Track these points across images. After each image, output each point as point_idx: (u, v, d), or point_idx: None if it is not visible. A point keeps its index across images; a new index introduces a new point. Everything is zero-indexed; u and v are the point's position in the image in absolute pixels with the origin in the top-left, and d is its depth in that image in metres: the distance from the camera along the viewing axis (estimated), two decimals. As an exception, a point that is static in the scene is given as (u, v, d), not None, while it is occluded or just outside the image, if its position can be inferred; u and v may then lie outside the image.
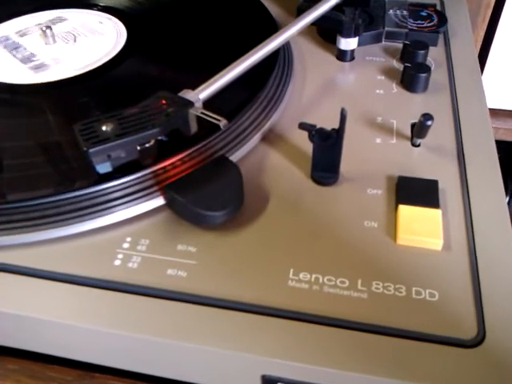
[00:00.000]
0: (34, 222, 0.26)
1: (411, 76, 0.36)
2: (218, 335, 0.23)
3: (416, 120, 0.32)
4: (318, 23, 0.38)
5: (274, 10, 0.45)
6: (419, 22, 0.42)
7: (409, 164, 0.31)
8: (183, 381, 0.25)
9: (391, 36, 0.42)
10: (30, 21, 0.42)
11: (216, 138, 0.30)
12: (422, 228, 0.26)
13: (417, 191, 0.28)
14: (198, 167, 0.28)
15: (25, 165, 0.28)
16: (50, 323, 0.24)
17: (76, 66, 0.37)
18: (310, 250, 0.26)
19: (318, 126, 0.29)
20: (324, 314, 0.23)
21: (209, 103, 0.29)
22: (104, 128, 0.26)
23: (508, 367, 0.22)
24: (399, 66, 0.39)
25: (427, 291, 0.24)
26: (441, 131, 0.33)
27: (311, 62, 0.40)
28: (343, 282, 0.25)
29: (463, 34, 0.44)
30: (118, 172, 0.27)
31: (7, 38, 0.40)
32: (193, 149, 0.29)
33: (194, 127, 0.28)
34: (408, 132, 0.33)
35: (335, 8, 0.39)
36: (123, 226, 0.27)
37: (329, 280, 0.25)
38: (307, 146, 0.31)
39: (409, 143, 0.32)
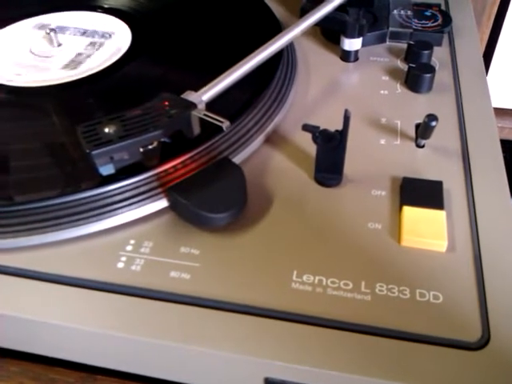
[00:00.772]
0: (37, 225, 0.26)
1: (416, 76, 0.36)
2: (220, 338, 0.23)
3: (420, 121, 0.31)
4: (321, 24, 0.38)
5: (278, 11, 0.45)
6: (423, 22, 0.42)
7: (413, 165, 0.31)
8: (186, 383, 0.25)
9: (395, 36, 0.42)
10: (34, 23, 0.42)
11: (219, 140, 0.30)
12: (426, 229, 0.26)
13: (421, 192, 0.28)
14: (201, 169, 0.28)
15: (28, 167, 0.28)
16: (53, 326, 0.24)
17: (81, 69, 0.37)
18: (313, 251, 0.26)
19: (322, 128, 0.29)
20: (327, 317, 0.23)
21: (212, 105, 0.29)
22: (107, 130, 0.26)
23: (513, 370, 0.22)
24: (403, 67, 0.39)
25: (431, 293, 0.24)
26: (445, 132, 0.33)
27: (315, 62, 0.40)
28: (347, 285, 0.25)
29: (468, 34, 0.44)
30: (121, 174, 0.27)
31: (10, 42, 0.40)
32: (196, 151, 0.29)
33: (196, 129, 0.28)
34: (412, 133, 0.33)
35: (339, 8, 0.39)
36: (126, 228, 0.27)
37: (332, 282, 0.25)
38: (311, 148, 0.31)
39: (413, 144, 0.32)
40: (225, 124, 0.27)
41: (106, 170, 0.26)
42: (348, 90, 0.37)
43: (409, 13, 0.43)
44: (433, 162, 0.31)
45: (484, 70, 0.39)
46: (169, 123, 0.27)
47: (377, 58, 0.40)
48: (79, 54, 0.38)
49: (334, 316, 0.23)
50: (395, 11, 0.43)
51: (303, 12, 0.40)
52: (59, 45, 0.39)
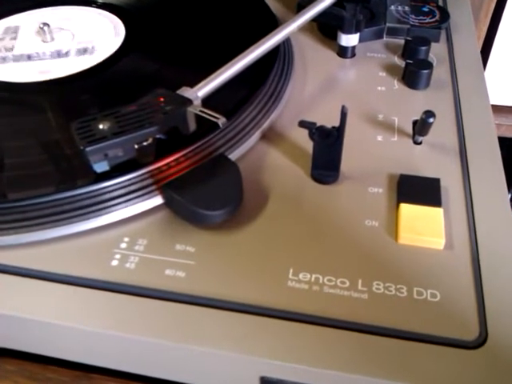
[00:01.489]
0: (30, 222, 0.26)
1: (413, 73, 0.36)
2: (216, 336, 0.22)
3: (418, 117, 0.31)
4: (318, 19, 0.38)
5: (274, 6, 0.45)
6: (421, 17, 0.42)
7: (410, 162, 0.31)
8: (181, 382, 0.25)
9: (393, 32, 0.42)
10: (28, 18, 0.42)
11: (215, 137, 0.30)
12: (423, 227, 0.26)
13: (418, 190, 0.28)
14: (197, 166, 0.28)
15: (21, 164, 0.28)
16: (47, 324, 0.23)
17: (74, 64, 0.36)
18: (309, 249, 0.26)
19: (319, 124, 0.28)
20: (324, 315, 0.23)
21: (208, 101, 0.29)
22: (101, 126, 0.26)
23: (510, 368, 0.21)
24: (401, 63, 0.39)
25: (429, 291, 0.24)
26: (443, 128, 0.33)
27: (312, 58, 0.40)
28: (343, 283, 0.24)
29: (465, 30, 0.43)
30: (116, 171, 0.27)
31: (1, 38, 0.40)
32: (191, 147, 0.29)
33: (192, 125, 0.28)
34: (410, 129, 0.33)
35: (336, 4, 0.39)
36: (120, 225, 0.27)
37: (329, 280, 0.24)
38: (307, 144, 0.31)
39: (410, 141, 0.32)
40: (221, 120, 0.27)
41: (101, 167, 0.26)
42: (345, 86, 0.37)
43: (406, 8, 0.43)
44: (430, 159, 0.31)
45: (482, 67, 0.39)
46: (164, 119, 0.27)
47: (374, 53, 0.40)
48: (72, 49, 0.38)
49: (331, 314, 0.23)
50: (392, 7, 0.43)
51: (300, 7, 0.40)
52: (52, 39, 0.39)
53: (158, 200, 0.27)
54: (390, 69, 0.38)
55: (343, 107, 0.27)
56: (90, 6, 0.43)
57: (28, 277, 0.25)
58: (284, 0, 0.47)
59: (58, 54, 0.37)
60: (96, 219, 0.26)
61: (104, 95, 0.33)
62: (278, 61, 0.36)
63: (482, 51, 0.62)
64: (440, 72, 0.38)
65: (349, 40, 0.39)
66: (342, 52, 0.40)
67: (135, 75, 0.35)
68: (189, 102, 0.28)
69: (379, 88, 0.37)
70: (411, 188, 0.28)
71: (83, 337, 0.23)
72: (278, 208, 0.28)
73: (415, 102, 0.35)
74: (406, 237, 0.26)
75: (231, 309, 0.23)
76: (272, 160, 0.31)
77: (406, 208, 0.27)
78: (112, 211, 0.27)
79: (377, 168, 0.30)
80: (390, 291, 0.24)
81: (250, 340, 0.22)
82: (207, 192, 0.26)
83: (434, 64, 0.38)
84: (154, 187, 0.27)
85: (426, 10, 0.43)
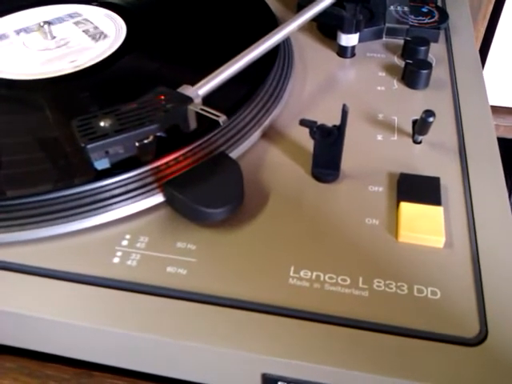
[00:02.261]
0: (32, 220, 0.26)
1: (413, 72, 0.36)
2: (217, 333, 0.22)
3: (417, 117, 0.31)
4: (318, 19, 0.38)
5: (274, 6, 0.45)
6: (420, 18, 0.42)
7: (410, 161, 0.31)
8: (182, 379, 0.25)
9: (392, 32, 0.42)
10: (29, 16, 0.42)
11: (216, 135, 0.30)
12: (423, 225, 0.26)
13: (418, 188, 0.28)
14: (198, 164, 0.28)
15: (22, 161, 0.28)
16: (48, 321, 0.23)
17: (75, 62, 0.36)
18: (310, 247, 0.26)
19: (319, 123, 0.29)
20: (325, 312, 0.23)
21: (208, 99, 0.29)
22: (102, 124, 0.26)
23: (510, 365, 0.21)
24: (400, 63, 0.39)
25: (429, 289, 0.24)
26: (442, 128, 0.33)
27: (311, 58, 0.40)
28: (344, 280, 0.24)
29: (464, 31, 0.44)
30: (117, 169, 0.27)
31: (5, 35, 0.40)
32: (192, 145, 0.29)
33: (193, 123, 0.28)
34: (409, 129, 0.33)
35: (336, 4, 0.39)
36: (122, 223, 0.27)
37: (330, 278, 0.24)
38: (308, 143, 0.31)
39: (410, 140, 0.32)
40: (221, 118, 0.27)
41: (101, 164, 0.26)
42: (345, 85, 0.37)
43: (405, 9, 0.43)
44: (430, 158, 0.31)
45: (480, 67, 0.39)
46: (165, 117, 0.27)
47: (373, 53, 0.40)
48: (73, 48, 0.38)
49: (332, 312, 0.23)
50: (392, 7, 0.43)
51: (300, 6, 0.40)
52: (53, 37, 0.39)
53: (158, 198, 0.27)
54: (390, 69, 0.39)
55: (344, 106, 0.27)
56: (91, 4, 0.43)
57: (29, 274, 0.25)
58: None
59: (58, 52, 0.37)
60: (97, 217, 0.26)
61: (104, 93, 0.33)
62: (279, 60, 0.36)
63: (480, 52, 0.62)
64: (439, 72, 0.38)
65: (349, 40, 0.39)
66: (342, 52, 0.40)
67: (136, 73, 0.35)
68: (190, 100, 0.28)
69: (379, 88, 0.37)
70: (411, 187, 0.28)
71: (84, 334, 0.23)
72: (278, 206, 0.28)
73: (415, 102, 0.35)
74: (406, 235, 0.26)
75: (233, 306, 0.23)
76: (272, 158, 0.31)
77: (406, 206, 0.27)
78: (113, 209, 0.27)
79: (377, 167, 0.30)
80: (391, 289, 0.24)
81: (251, 337, 0.22)
82: (208, 190, 0.26)
83: (433, 64, 0.38)
84: (155, 185, 0.27)
85: (425, 10, 0.43)
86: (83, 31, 0.40)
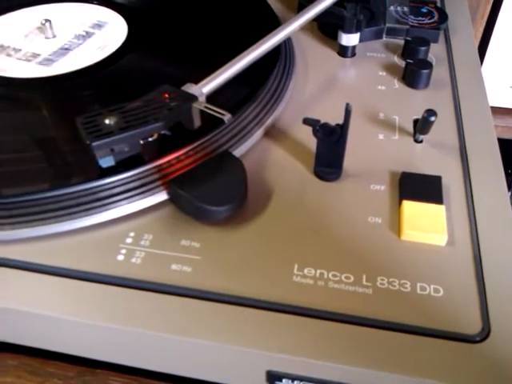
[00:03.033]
0: (37, 217, 0.26)
1: (413, 72, 0.36)
2: (222, 330, 0.23)
3: (418, 116, 0.31)
4: (319, 18, 0.38)
5: (275, 5, 0.45)
6: (420, 18, 0.42)
7: (411, 160, 0.31)
8: (187, 377, 0.25)
9: (392, 32, 0.42)
10: (29, 14, 0.42)
11: (219, 133, 0.30)
12: (426, 224, 0.26)
13: (420, 187, 0.28)
14: (202, 162, 0.28)
15: (27, 159, 0.28)
16: (52, 319, 0.23)
17: (76, 61, 0.36)
18: (314, 245, 0.26)
19: (322, 121, 0.29)
20: (329, 310, 0.23)
21: (211, 98, 0.29)
22: (107, 121, 0.26)
23: (513, 362, 0.22)
24: (400, 63, 0.39)
25: (432, 287, 0.24)
26: (443, 127, 0.33)
27: (312, 57, 0.40)
28: (348, 278, 0.25)
29: (463, 31, 0.44)
30: (121, 166, 0.27)
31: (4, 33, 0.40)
32: (195, 144, 0.29)
33: (197, 121, 0.28)
34: (410, 128, 0.33)
35: (336, 4, 0.39)
36: (126, 220, 0.27)
37: (334, 275, 0.25)
38: (310, 141, 0.31)
39: (411, 139, 0.32)
40: (226, 116, 0.27)
41: (106, 162, 0.26)
42: (346, 85, 0.37)
43: (405, 9, 0.43)
44: (431, 157, 0.31)
45: (480, 67, 0.39)
46: (169, 115, 0.27)
47: (374, 53, 0.40)
48: (74, 46, 0.38)
49: (336, 309, 0.23)
50: (392, 7, 0.43)
51: (301, 6, 0.40)
52: (54, 36, 0.39)
53: (162, 196, 0.27)
54: (390, 68, 0.39)
55: (347, 105, 0.27)
56: (92, 3, 0.43)
57: (34, 271, 0.25)
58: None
59: (60, 51, 0.37)
60: (101, 214, 0.26)
61: (107, 92, 0.34)
62: (280, 59, 0.36)
63: (478, 52, 0.63)
64: (439, 72, 0.38)
65: (349, 39, 0.39)
66: (343, 51, 0.40)
67: (138, 72, 0.35)
68: (194, 98, 0.28)
69: (379, 87, 0.37)
70: (413, 185, 0.28)
71: (89, 331, 0.23)
72: (281, 204, 0.28)
73: (415, 101, 0.36)
74: (408, 233, 0.26)
75: (237, 303, 0.24)
76: (275, 157, 0.31)
77: (408, 205, 0.27)
78: (117, 207, 0.27)
79: (379, 166, 0.31)
80: (394, 286, 0.24)
81: (256, 334, 0.22)
82: (212, 188, 0.26)
83: (433, 64, 0.38)
84: (158, 183, 0.27)
85: (424, 10, 0.43)
86: (84, 30, 0.40)
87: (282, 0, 0.47)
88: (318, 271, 0.25)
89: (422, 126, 0.31)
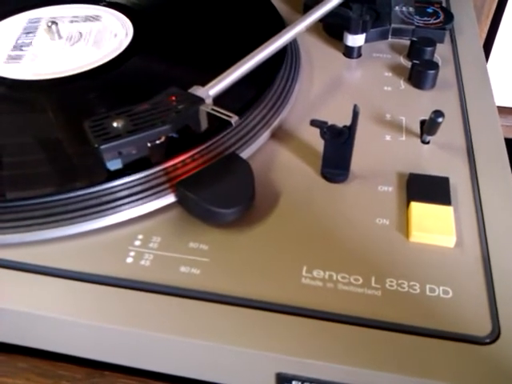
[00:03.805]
0: (45, 220, 0.26)
1: (420, 73, 0.36)
2: (231, 333, 0.23)
3: (425, 117, 0.31)
4: (324, 19, 0.38)
5: (280, 6, 0.45)
6: (425, 18, 0.42)
7: (419, 161, 0.31)
8: (195, 379, 0.25)
9: (398, 33, 0.42)
10: (36, 16, 0.42)
11: (226, 135, 0.30)
12: (434, 225, 0.26)
13: (428, 188, 0.28)
14: (209, 164, 0.28)
15: (35, 162, 0.28)
16: (61, 321, 0.23)
17: (82, 63, 0.36)
18: (322, 247, 0.26)
19: (329, 123, 0.29)
20: (339, 312, 0.23)
21: (217, 101, 0.29)
22: (115, 124, 0.26)
23: (523, 364, 0.22)
24: (406, 63, 0.39)
25: (441, 288, 0.24)
26: (450, 128, 0.33)
27: (318, 58, 0.40)
28: (357, 280, 0.25)
29: (469, 31, 0.44)
30: (129, 169, 0.27)
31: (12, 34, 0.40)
32: (203, 146, 0.29)
33: (204, 124, 0.28)
34: (417, 129, 0.33)
35: (342, 4, 0.39)
36: (134, 223, 0.27)
37: (343, 277, 0.25)
38: (316, 143, 0.31)
39: (418, 140, 0.32)
40: (233, 119, 0.27)
41: (114, 164, 0.26)
42: (352, 86, 0.37)
43: (411, 9, 0.43)
44: (438, 158, 0.31)
45: (486, 67, 0.39)
46: (177, 118, 0.27)
47: (379, 54, 0.40)
48: (80, 48, 0.38)
49: (346, 311, 0.23)
50: (397, 8, 0.43)
51: (306, 7, 0.40)
52: (60, 38, 0.39)
53: (170, 198, 0.28)
54: (396, 69, 0.39)
55: (355, 106, 0.27)
56: (98, 4, 0.43)
57: (43, 274, 0.25)
58: (289, 1, 0.47)
59: (65, 52, 0.37)
60: (109, 217, 0.26)
61: (113, 95, 0.34)
62: (286, 60, 0.36)
63: (483, 52, 0.63)
64: (445, 72, 0.38)
65: (355, 40, 0.39)
66: (349, 52, 0.40)
67: (144, 75, 0.35)
68: (201, 100, 0.28)
69: (386, 88, 0.37)
70: (421, 187, 0.28)
71: (98, 334, 0.24)
72: (288, 206, 0.28)
73: (422, 102, 0.36)
74: (417, 235, 0.26)
75: (246, 305, 0.24)
76: (282, 159, 0.31)
77: (416, 206, 0.27)
78: (125, 209, 0.27)
79: (386, 167, 0.30)
80: (403, 288, 0.24)
81: (265, 336, 0.23)
82: (220, 190, 0.26)
83: (440, 64, 0.38)
84: (166, 185, 0.28)
85: (430, 11, 0.43)
86: (90, 32, 0.40)
87: (287, 1, 0.47)
88: (327, 273, 0.25)
89: (429, 127, 0.31)
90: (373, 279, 0.25)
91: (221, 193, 0.26)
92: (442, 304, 0.24)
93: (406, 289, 0.24)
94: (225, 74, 0.30)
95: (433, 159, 0.31)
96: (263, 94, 0.33)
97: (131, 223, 0.27)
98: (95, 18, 0.41)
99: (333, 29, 0.42)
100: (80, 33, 0.40)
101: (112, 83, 0.35)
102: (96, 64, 0.36)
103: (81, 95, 0.33)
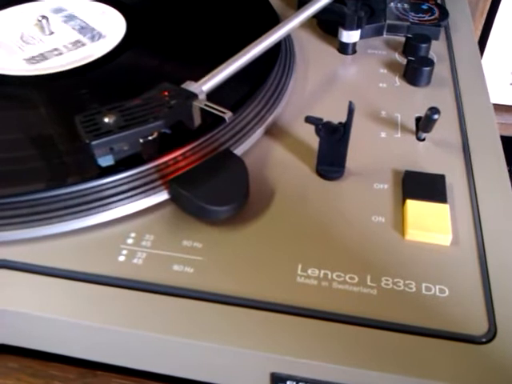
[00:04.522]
0: (36, 217, 0.25)
1: (415, 70, 0.36)
2: (225, 332, 0.22)
3: (420, 114, 0.31)
4: (319, 15, 0.38)
5: (274, 2, 0.44)
6: (420, 15, 0.42)
7: (414, 158, 0.31)
8: (189, 379, 0.24)
9: (392, 29, 0.42)
10: (28, 10, 0.41)
11: (220, 132, 0.30)
12: (430, 223, 0.26)
13: (424, 186, 0.28)
14: (203, 161, 0.28)
15: (25, 158, 0.27)
16: (52, 320, 0.23)
17: (74, 58, 0.36)
18: (317, 245, 0.26)
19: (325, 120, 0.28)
20: (334, 311, 0.23)
21: (211, 96, 0.29)
22: (106, 120, 0.25)
23: (519, 363, 0.22)
24: (401, 60, 0.39)
25: (437, 287, 0.24)
26: (445, 125, 0.33)
27: (312, 54, 0.40)
28: (352, 278, 0.24)
29: (464, 28, 0.44)
30: (121, 166, 0.26)
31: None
32: (197, 142, 0.28)
33: (197, 120, 0.28)
34: (412, 126, 0.33)
35: (336, 0, 0.38)
36: (127, 221, 0.26)
37: (338, 276, 0.24)
38: (311, 140, 0.31)
39: (414, 137, 0.32)
40: (227, 115, 0.27)
41: (105, 161, 0.26)
42: (347, 82, 0.37)
43: (405, 6, 0.43)
44: (434, 155, 0.31)
45: (481, 64, 0.39)
46: (169, 114, 0.26)
47: (374, 50, 0.40)
48: (71, 43, 0.37)
49: (341, 310, 0.23)
50: (392, 4, 0.43)
51: (301, 3, 0.40)
52: (51, 33, 0.38)
53: (163, 195, 0.27)
54: (391, 66, 0.38)
55: (350, 103, 0.27)
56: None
57: (32, 272, 0.24)
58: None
59: (57, 48, 0.37)
60: (101, 215, 0.26)
61: (105, 90, 0.33)
62: (280, 56, 0.36)
63: (477, 50, 0.62)
64: (440, 69, 0.38)
65: (350, 36, 0.39)
66: (343, 48, 0.40)
67: (137, 70, 0.35)
68: (194, 96, 0.27)
69: (381, 85, 0.37)
70: (416, 184, 0.28)
71: (90, 333, 0.23)
72: (283, 204, 0.28)
73: (417, 99, 0.35)
74: (413, 233, 0.26)
75: (240, 304, 0.23)
76: (276, 156, 0.31)
77: (412, 204, 0.27)
78: (117, 207, 0.26)
79: (381, 164, 0.30)
80: (399, 287, 0.24)
81: (259, 336, 0.22)
82: (214, 187, 0.26)
83: (435, 61, 0.38)
84: (159, 182, 0.27)
85: (425, 7, 0.43)
86: (81, 27, 0.39)
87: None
88: (322, 272, 0.25)
89: (425, 123, 0.31)
90: (368, 278, 0.24)
91: (215, 190, 0.26)
92: (438, 303, 0.23)
93: (402, 287, 0.24)
94: (218, 69, 0.30)
95: (428, 156, 0.31)
96: (257, 90, 0.32)
97: (123, 221, 0.26)
98: (87, 13, 0.41)
99: (327, 25, 0.42)
100: (72, 28, 0.39)
101: (104, 79, 0.34)
102: (88, 60, 0.35)
103: (72, 91, 0.33)
